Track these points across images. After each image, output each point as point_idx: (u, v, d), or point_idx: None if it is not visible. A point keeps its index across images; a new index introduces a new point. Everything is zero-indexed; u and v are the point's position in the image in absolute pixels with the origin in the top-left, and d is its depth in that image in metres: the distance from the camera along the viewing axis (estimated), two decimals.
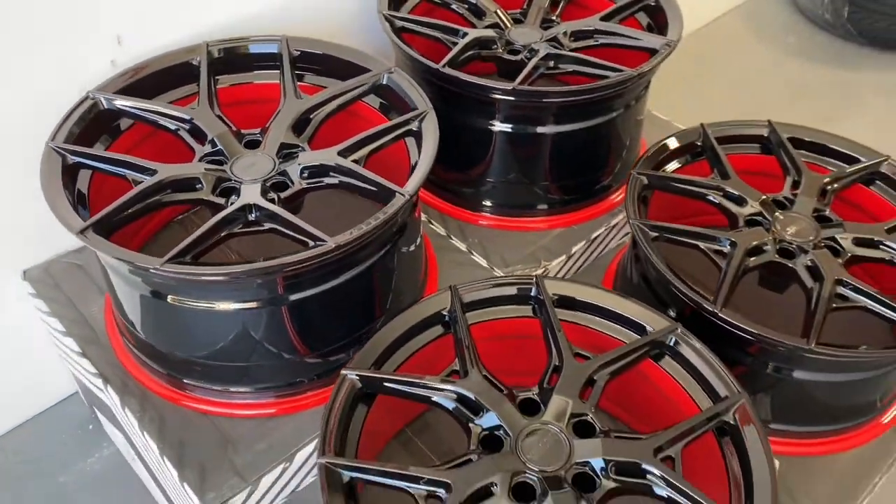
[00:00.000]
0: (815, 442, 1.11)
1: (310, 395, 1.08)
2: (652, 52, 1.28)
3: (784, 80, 2.32)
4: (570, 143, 1.31)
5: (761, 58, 2.42)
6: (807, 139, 1.27)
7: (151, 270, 0.89)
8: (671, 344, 0.96)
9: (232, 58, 1.22)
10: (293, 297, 0.99)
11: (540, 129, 1.28)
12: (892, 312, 1.02)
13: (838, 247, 1.10)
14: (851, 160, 1.24)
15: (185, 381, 1.06)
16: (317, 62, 1.23)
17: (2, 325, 1.29)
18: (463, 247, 1.33)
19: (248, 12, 1.30)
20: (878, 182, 1.23)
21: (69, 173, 1.03)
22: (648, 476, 0.84)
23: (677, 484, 0.82)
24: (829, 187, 1.19)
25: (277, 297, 0.98)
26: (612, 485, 0.84)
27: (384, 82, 1.18)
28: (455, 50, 1.26)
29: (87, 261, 1.26)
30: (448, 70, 1.20)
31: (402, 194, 0.98)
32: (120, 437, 1.26)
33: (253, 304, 0.98)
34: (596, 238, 1.37)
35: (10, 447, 1.38)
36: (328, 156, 1.07)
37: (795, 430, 1.10)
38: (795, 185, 1.19)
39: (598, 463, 0.85)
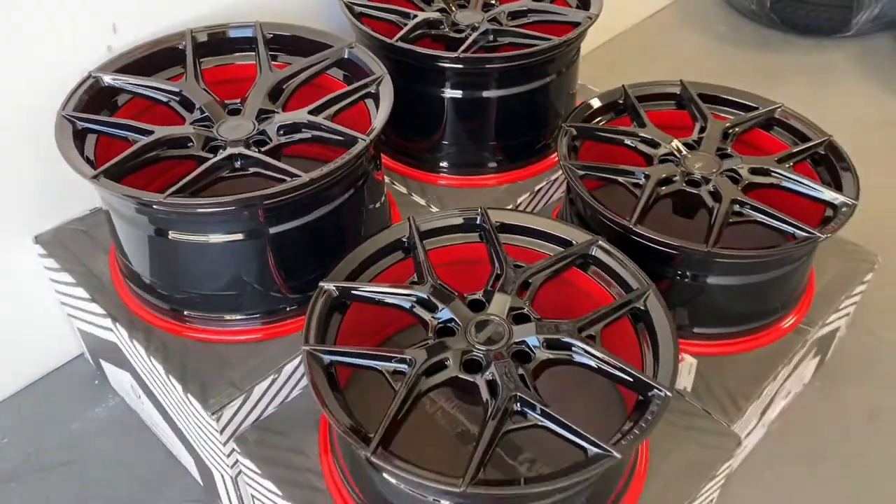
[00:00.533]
0: (727, 343, 1.29)
1: (291, 321, 1.26)
2: (576, 24, 1.49)
3: (715, 65, 2.55)
4: (511, 106, 1.50)
5: (695, 46, 2.64)
6: (713, 94, 1.48)
7: (155, 205, 1.07)
8: (593, 254, 1.16)
9: (213, 42, 1.40)
10: (273, 230, 1.16)
11: (485, 94, 1.48)
12: (779, 223, 1.22)
13: (737, 175, 1.30)
14: (750, 109, 1.45)
15: (184, 313, 1.23)
16: (287, 43, 1.42)
17: (14, 291, 1.45)
18: (423, 202, 1.52)
19: (226, 4, 1.49)
20: (774, 127, 1.44)
21: (79, 137, 1.20)
22: (573, 348, 1.02)
23: (594, 352, 1.01)
24: (730, 131, 1.39)
25: (260, 229, 1.15)
26: (544, 356, 1.02)
27: (346, 56, 1.37)
28: (406, 28, 1.46)
29: (90, 227, 1.43)
30: (401, 44, 1.40)
31: (363, 139, 1.17)
32: (126, 380, 1.42)
33: (240, 236, 1.15)
34: (539, 190, 1.56)
35: (24, 403, 1.53)
36: (300, 115, 1.25)
37: (710, 332, 1.29)
38: (702, 130, 1.39)
39: (532, 341, 1.03)
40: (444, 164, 1.57)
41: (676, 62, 2.56)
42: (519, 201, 1.53)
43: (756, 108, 1.44)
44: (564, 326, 1.04)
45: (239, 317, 1.24)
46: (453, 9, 1.58)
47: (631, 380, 0.99)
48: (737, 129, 1.40)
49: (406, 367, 1.00)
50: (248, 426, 1.19)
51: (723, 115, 1.46)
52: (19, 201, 1.38)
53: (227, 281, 1.20)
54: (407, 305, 1.08)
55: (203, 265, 1.20)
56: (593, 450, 0.91)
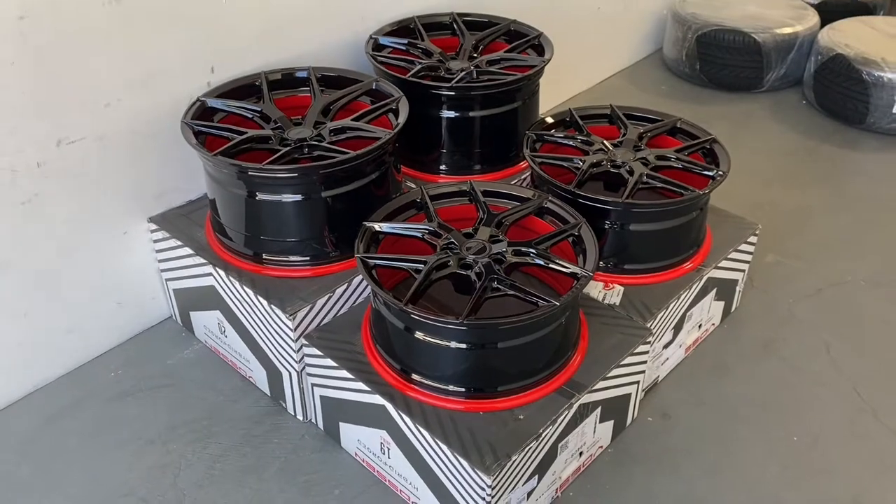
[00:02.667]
0: (646, 276, 1.83)
1: (335, 265, 1.79)
2: (534, 66, 2.10)
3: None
4: (490, 124, 2.08)
5: (641, 101, 3.27)
6: (635, 113, 2.08)
7: (251, 171, 1.62)
8: (545, 205, 1.71)
9: (280, 80, 1.99)
10: (325, 194, 1.72)
11: (471, 114, 2.07)
12: (673, 188, 1.79)
13: (646, 160, 1.88)
14: (659, 121, 2.05)
15: (263, 256, 1.77)
16: (331, 80, 2.01)
17: (128, 264, 1.97)
18: None
19: (287, 56, 2.09)
20: (678, 133, 2.03)
21: (196, 137, 1.77)
22: (529, 255, 1.57)
23: (544, 255, 1.55)
24: (644, 135, 1.98)
25: (317, 192, 1.70)
26: (512, 259, 1.57)
27: (374, 87, 1.97)
28: (414, 69, 2.07)
29: (187, 212, 1.98)
30: (412, 78, 2.00)
31: (388, 133, 1.75)
32: (213, 321, 1.93)
33: (301, 197, 1.70)
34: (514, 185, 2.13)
35: (131, 348, 2.03)
36: (345, 122, 1.83)
37: (635, 268, 1.83)
38: (624, 135, 1.98)
39: (503, 250, 1.57)
40: (442, 167, 2.14)
41: None
42: None
43: (662, 121, 2.04)
44: (524, 243, 1.59)
45: (299, 259, 1.77)
46: (446, 59, 2.19)
47: (567, 270, 1.53)
48: (648, 133, 1.99)
49: (423, 265, 1.54)
50: (312, 329, 1.71)
51: (639, 125, 2.05)
52: (138, 194, 1.93)
53: (294, 231, 1.74)
54: (420, 235, 1.63)
55: (279, 219, 1.74)
56: (544, 302, 1.44)
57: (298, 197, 1.71)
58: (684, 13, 3.31)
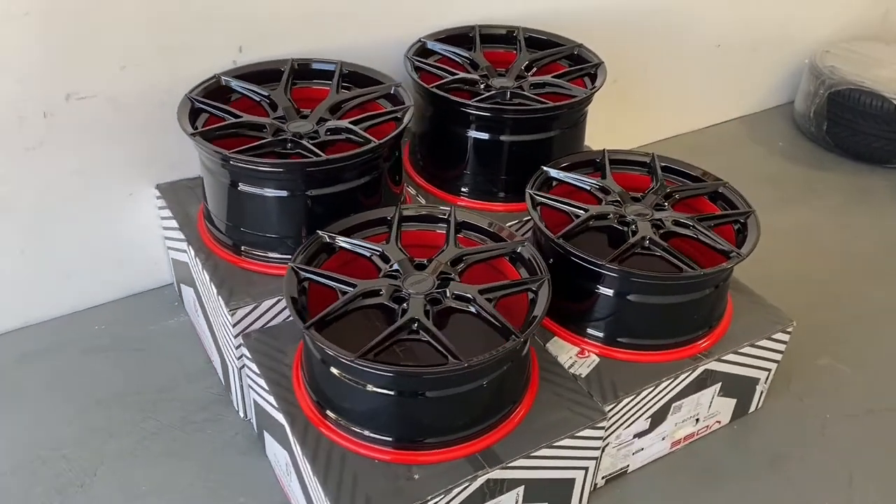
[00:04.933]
0: (632, 353, 1.61)
1: None
2: (573, 97, 1.91)
3: (760, 170, 2.83)
4: (520, 151, 1.91)
5: (748, 153, 2.94)
6: (677, 167, 1.84)
7: (233, 161, 1.57)
8: (519, 251, 1.54)
9: (306, 70, 1.94)
10: (308, 193, 1.64)
11: (501, 137, 1.91)
12: (674, 259, 1.55)
13: (660, 223, 1.65)
14: (701, 181, 1.80)
15: (242, 248, 1.72)
16: (357, 78, 1.93)
17: (135, 225, 2.01)
18: None
19: (328, 48, 2.03)
20: (718, 200, 1.77)
21: (194, 113, 1.75)
22: (470, 302, 1.41)
23: (483, 306, 1.39)
24: (674, 194, 1.74)
25: (299, 189, 1.63)
26: (450, 303, 1.42)
27: (392, 91, 1.86)
28: (445, 80, 1.94)
29: (196, 185, 1.97)
30: (434, 90, 1.87)
31: (374, 142, 1.64)
32: (192, 297, 1.92)
33: (281, 193, 1.63)
34: (528, 221, 1.95)
35: (123, 306, 2.07)
36: (343, 123, 1.74)
37: (623, 341, 1.61)
38: (652, 189, 1.76)
39: (445, 293, 1.43)
40: (464, 189, 2.00)
41: (725, 161, 2.86)
42: (507, 224, 1.92)
43: (704, 182, 1.79)
44: (471, 289, 1.43)
45: (276, 255, 1.70)
46: (492, 74, 2.04)
47: (499, 326, 1.36)
48: (680, 193, 1.75)
49: (351, 289, 1.43)
50: (255, 328, 1.65)
51: (677, 181, 1.81)
52: (150, 159, 1.94)
53: (272, 227, 1.67)
54: (368, 255, 1.52)
55: (259, 212, 1.68)
56: (452, 360, 1.29)
57: (278, 192, 1.64)
58: (822, 65, 2.93)
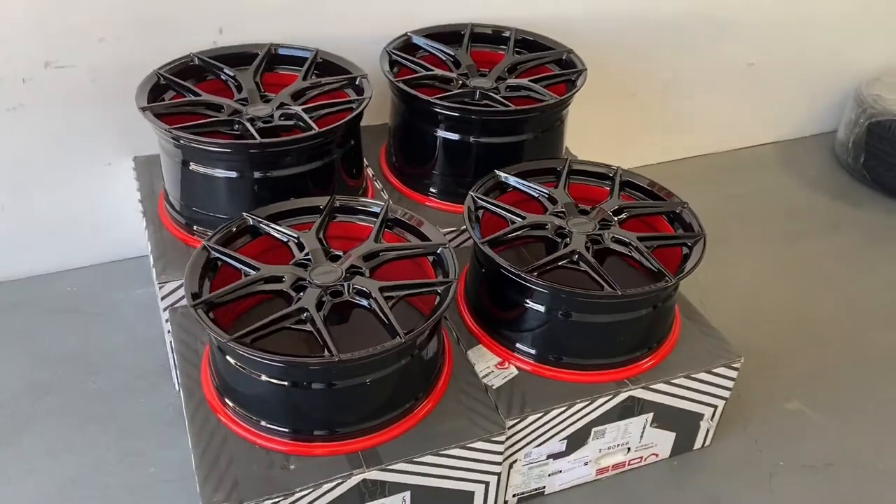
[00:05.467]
0: (555, 370, 1.55)
1: None
2: (542, 101, 1.85)
3: (785, 199, 2.67)
4: (488, 153, 1.86)
5: (777, 179, 2.77)
6: (641, 184, 1.75)
7: (183, 140, 1.59)
8: (439, 252, 1.50)
9: (281, 56, 1.95)
10: (256, 175, 1.65)
11: (470, 139, 1.86)
12: (598, 277, 1.47)
13: (599, 239, 1.57)
14: (659, 200, 1.70)
15: (195, 227, 1.74)
16: (329, 67, 1.93)
17: (117, 194, 2.08)
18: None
19: (313, 36, 2.03)
20: (675, 222, 1.68)
21: (158, 90, 1.79)
22: (369, 298, 1.38)
23: (378, 303, 1.36)
24: (626, 210, 1.66)
25: (248, 172, 1.63)
26: (348, 298, 1.39)
27: (357, 83, 1.85)
28: (415, 76, 1.91)
29: None
30: (401, 84, 1.84)
31: (315, 130, 1.63)
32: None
33: (233, 174, 1.65)
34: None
35: (100, 271, 2.15)
36: (295, 109, 1.74)
37: (542, 356, 1.55)
38: (605, 205, 1.68)
39: (348, 287, 1.40)
40: (432, 189, 1.97)
41: (749, 186, 2.72)
42: (445, 230, 1.84)
43: (663, 201, 1.70)
44: (373, 285, 1.40)
45: None
46: (472, 74, 2.00)
47: (388, 323, 1.33)
48: (632, 210, 1.67)
49: (252, 272, 1.42)
50: (182, 305, 1.67)
51: (637, 197, 1.73)
52: (129, 132, 2.00)
53: (220, 207, 1.69)
54: (285, 240, 1.51)
55: (208, 192, 1.69)
56: (327, 356, 1.26)
57: (226, 173, 1.65)
58: (867, 93, 2.73)
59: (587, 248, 1.54)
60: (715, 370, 1.61)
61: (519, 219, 1.62)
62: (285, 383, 1.32)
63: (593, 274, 1.49)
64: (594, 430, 1.57)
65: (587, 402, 1.51)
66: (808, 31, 2.72)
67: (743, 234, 2.50)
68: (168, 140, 1.66)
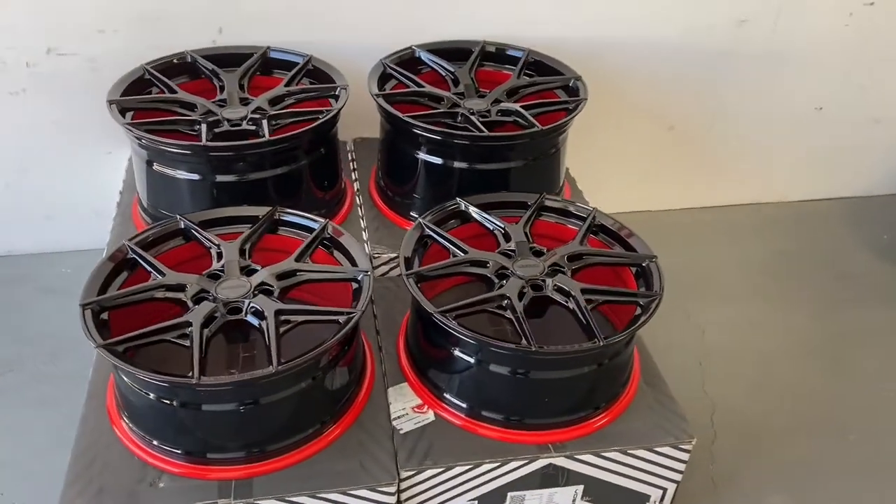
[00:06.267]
0: (478, 424, 1.42)
1: None
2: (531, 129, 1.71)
3: (841, 261, 2.38)
4: (473, 179, 1.74)
5: (837, 239, 2.48)
6: (613, 229, 1.59)
7: (146, 141, 1.59)
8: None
9: (274, 60, 1.92)
10: (218, 178, 1.62)
11: (454, 164, 1.75)
12: (519, 328, 1.33)
13: (541, 285, 1.43)
14: (630, 252, 1.54)
15: None
16: (319, 74, 1.88)
17: (117, 181, 2.10)
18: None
19: (315, 41, 1.99)
20: (640, 278, 1.51)
21: (141, 84, 1.79)
22: (264, 320, 1.31)
23: (269, 329, 1.28)
24: (584, 257, 1.51)
25: (210, 175, 1.61)
26: (246, 317, 1.32)
27: (336, 92, 1.79)
28: (399, 91, 1.83)
29: None
30: (380, 99, 1.76)
31: (266, 140, 1.58)
32: None
33: (197, 177, 1.63)
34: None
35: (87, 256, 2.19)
36: (266, 114, 1.70)
37: (476, 411, 1.42)
38: (564, 250, 1.53)
39: (247, 303, 1.34)
40: (413, 213, 1.87)
41: (799, 244, 2.44)
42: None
43: (635, 253, 1.53)
44: (272, 307, 1.32)
45: None
46: (471, 94, 1.88)
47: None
48: (591, 258, 1.51)
49: (159, 278, 1.38)
50: None
51: (609, 244, 1.57)
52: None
53: (184, 208, 1.66)
54: (208, 247, 1.46)
55: (170, 192, 1.69)
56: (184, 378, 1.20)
57: (192, 176, 1.63)
58: None
59: (521, 295, 1.40)
60: (658, 448, 1.42)
61: (461, 253, 1.50)
62: (160, 400, 1.27)
63: (517, 324, 1.35)
64: (510, 494, 1.42)
65: (497, 465, 1.37)
66: (888, 76, 2.41)
67: (778, 295, 2.24)
68: (131, 138, 1.66)
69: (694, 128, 2.39)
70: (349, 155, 2.10)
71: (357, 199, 1.93)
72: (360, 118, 2.02)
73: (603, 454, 1.40)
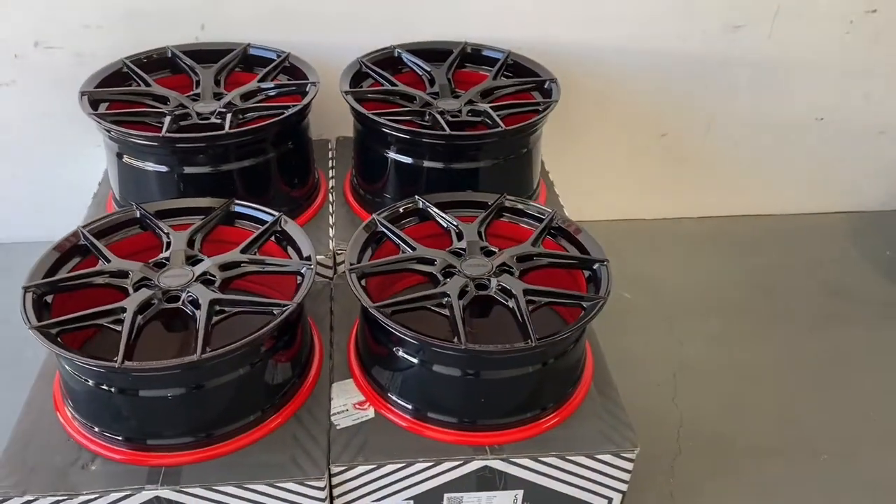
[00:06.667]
0: (419, 424, 1.40)
1: None
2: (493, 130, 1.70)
3: (838, 277, 2.30)
4: (440, 176, 1.73)
5: (836, 254, 2.40)
6: (571, 232, 1.56)
7: (115, 133, 1.62)
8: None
9: (252, 56, 1.94)
10: (185, 171, 1.64)
11: (424, 162, 1.75)
12: (454, 326, 1.31)
13: (484, 284, 1.41)
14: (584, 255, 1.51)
15: None
16: (293, 71, 1.89)
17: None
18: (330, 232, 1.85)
19: (302, 40, 2.01)
20: (591, 282, 1.48)
21: (119, 77, 1.83)
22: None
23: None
24: (535, 259, 1.48)
25: (177, 167, 1.63)
26: (181, 305, 1.33)
27: (307, 89, 1.79)
28: (366, 87, 1.83)
29: None
30: (349, 96, 1.76)
31: (227, 132, 1.59)
32: None
33: (164, 168, 1.65)
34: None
35: None
36: (237, 107, 1.71)
37: (419, 411, 1.40)
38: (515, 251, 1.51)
39: (191, 294, 1.34)
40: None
41: (798, 258, 2.37)
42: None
43: (588, 258, 1.50)
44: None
45: None
46: (445, 94, 1.87)
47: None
48: (541, 259, 1.49)
49: (108, 265, 1.40)
50: None
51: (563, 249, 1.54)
52: None
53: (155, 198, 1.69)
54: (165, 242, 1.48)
55: (141, 186, 1.71)
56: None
57: (160, 168, 1.65)
58: None
59: (462, 293, 1.38)
60: (599, 456, 1.38)
61: (410, 250, 1.49)
62: (98, 386, 1.28)
63: (454, 322, 1.33)
64: (447, 495, 1.40)
65: (431, 464, 1.35)
66: (895, 86, 2.33)
67: (767, 310, 2.18)
68: (101, 130, 1.68)
69: (687, 135, 2.35)
70: (330, 153, 2.11)
71: (330, 195, 1.93)
72: (344, 117, 2.02)
73: (541, 459, 1.37)
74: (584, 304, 1.39)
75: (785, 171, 2.46)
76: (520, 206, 1.62)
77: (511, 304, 1.37)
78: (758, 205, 2.53)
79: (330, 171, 2.02)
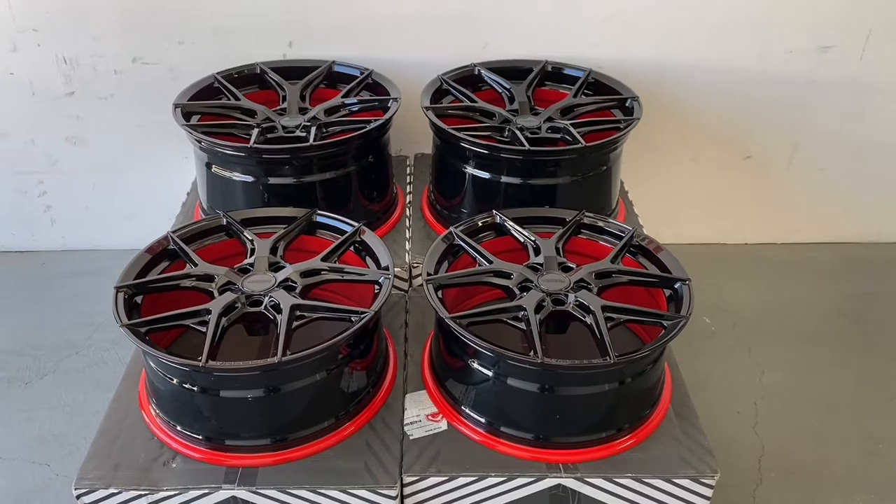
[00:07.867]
0: (492, 438, 1.39)
1: None
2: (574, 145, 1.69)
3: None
4: (518, 192, 1.74)
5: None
6: (652, 250, 1.53)
7: (205, 144, 1.68)
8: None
9: (336, 73, 1.99)
10: (270, 181, 1.69)
11: (502, 178, 1.76)
12: (532, 341, 1.30)
13: (561, 300, 1.39)
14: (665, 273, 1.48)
15: None
16: (376, 87, 1.93)
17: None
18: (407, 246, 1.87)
19: (381, 57, 2.05)
20: (672, 300, 1.44)
21: (210, 90, 1.90)
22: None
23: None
24: (613, 275, 1.46)
25: (262, 177, 1.69)
26: (263, 309, 1.36)
27: (388, 105, 1.83)
28: (449, 104, 1.85)
29: None
30: (430, 113, 1.78)
31: (309, 145, 1.63)
32: None
33: (249, 178, 1.71)
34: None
35: None
36: (325, 120, 1.76)
37: (496, 427, 1.39)
38: (593, 268, 1.49)
39: (269, 298, 1.38)
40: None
41: (887, 287, 2.27)
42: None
43: (663, 276, 1.47)
44: (289, 297, 1.37)
45: None
46: (524, 111, 1.88)
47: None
48: (621, 276, 1.46)
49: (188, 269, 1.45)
50: None
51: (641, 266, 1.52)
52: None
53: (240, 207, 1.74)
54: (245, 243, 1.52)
55: (227, 193, 1.77)
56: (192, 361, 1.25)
57: (247, 178, 1.71)
58: None
59: (539, 307, 1.37)
60: (677, 480, 1.34)
61: (487, 263, 1.49)
62: (181, 385, 1.32)
63: (530, 336, 1.32)
64: None
65: (503, 479, 1.34)
66: None
67: (854, 339, 2.09)
68: (192, 140, 1.75)
69: (773, 158, 2.29)
70: (408, 169, 2.14)
71: (407, 209, 1.95)
72: (423, 134, 2.05)
73: (616, 480, 1.34)
74: (665, 323, 1.36)
75: (872, 198, 2.37)
76: (599, 223, 1.61)
77: (589, 319, 1.35)
78: (845, 231, 2.44)
79: (408, 187, 2.04)
